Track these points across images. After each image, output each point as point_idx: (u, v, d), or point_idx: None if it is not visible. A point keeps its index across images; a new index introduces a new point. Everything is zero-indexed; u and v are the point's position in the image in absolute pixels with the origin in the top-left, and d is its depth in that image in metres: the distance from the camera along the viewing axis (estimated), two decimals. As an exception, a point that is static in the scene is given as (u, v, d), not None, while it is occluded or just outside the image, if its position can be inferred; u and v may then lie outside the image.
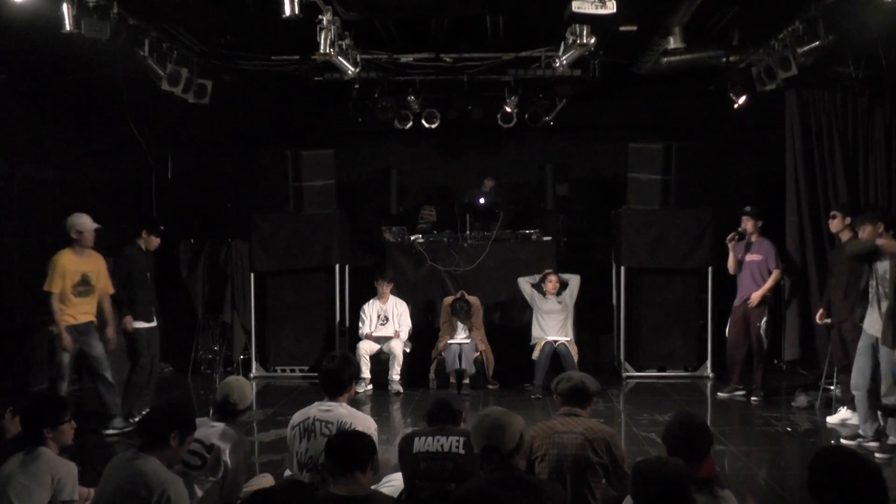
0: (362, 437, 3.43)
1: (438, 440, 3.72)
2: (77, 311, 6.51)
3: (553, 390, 4.11)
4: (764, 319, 7.62)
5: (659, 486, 2.74)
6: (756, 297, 7.62)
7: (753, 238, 7.79)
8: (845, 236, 6.66)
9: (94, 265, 6.65)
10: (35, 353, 8.04)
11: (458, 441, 3.71)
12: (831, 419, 6.78)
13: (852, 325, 6.54)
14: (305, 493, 3.77)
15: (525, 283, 8.47)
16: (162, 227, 7.43)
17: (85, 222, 6.54)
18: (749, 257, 7.77)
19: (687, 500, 2.76)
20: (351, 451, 3.25)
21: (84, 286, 6.54)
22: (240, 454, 4.04)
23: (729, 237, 7.89)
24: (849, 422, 6.57)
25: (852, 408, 6.57)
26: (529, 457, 3.82)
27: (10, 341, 7.82)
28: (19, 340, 7.93)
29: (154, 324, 7.23)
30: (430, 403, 4.06)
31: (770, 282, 7.63)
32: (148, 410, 3.73)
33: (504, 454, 3.22)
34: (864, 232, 6.10)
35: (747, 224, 7.77)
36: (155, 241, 7.26)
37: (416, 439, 3.78)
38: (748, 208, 7.83)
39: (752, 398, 7.63)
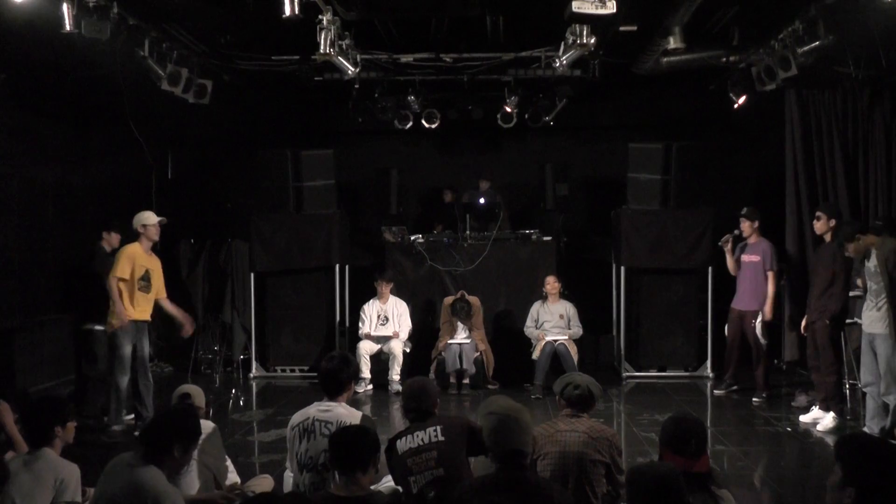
0: (365, 434, 3.41)
1: (418, 435, 3.81)
2: (138, 307, 6.60)
3: (557, 394, 4.11)
4: (759, 319, 7.61)
5: (654, 488, 2.74)
6: (769, 310, 7.57)
7: (752, 239, 7.75)
8: (829, 237, 6.70)
9: (154, 264, 6.77)
10: (31, 354, 8.04)
11: (435, 430, 3.80)
12: (804, 418, 6.81)
13: (823, 325, 6.62)
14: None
15: (529, 320, 8.46)
16: (116, 222, 7.40)
17: (150, 216, 6.70)
18: (746, 258, 7.76)
19: (682, 502, 2.75)
20: (353, 449, 3.24)
21: (145, 282, 6.65)
22: (213, 444, 4.17)
23: (722, 240, 7.90)
24: (821, 421, 6.61)
25: (824, 407, 6.66)
26: (532, 455, 3.83)
27: (6, 342, 7.81)
28: (17, 341, 7.91)
29: None
30: (403, 396, 4.16)
31: (771, 287, 7.57)
32: (152, 417, 3.74)
33: (526, 454, 3.29)
34: (850, 249, 6.19)
35: (744, 226, 7.76)
36: (116, 238, 7.26)
37: (399, 441, 3.85)
38: (744, 210, 7.81)
39: (754, 399, 7.62)
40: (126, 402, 6.68)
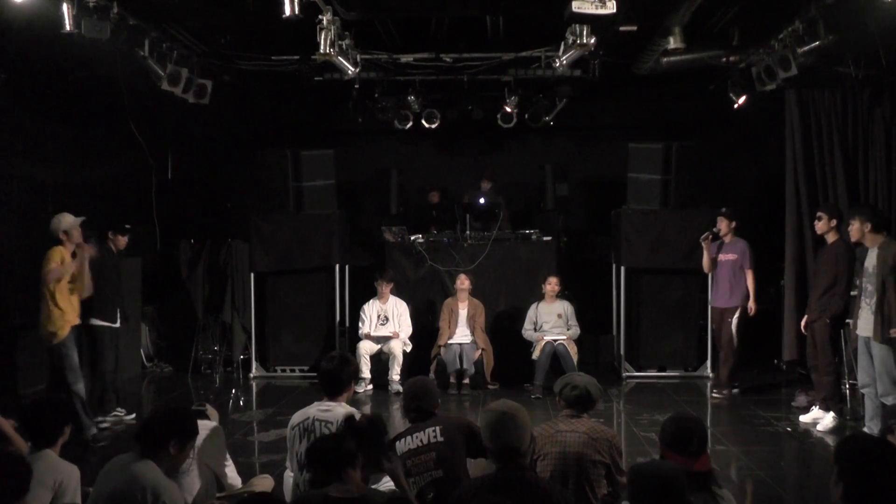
0: (342, 439, 3.36)
1: (417, 436, 3.83)
2: (68, 312, 6.38)
3: (557, 394, 4.11)
4: (736, 317, 7.73)
5: (656, 487, 2.74)
6: (753, 305, 7.73)
7: (728, 238, 7.93)
8: (831, 238, 6.70)
9: (76, 266, 6.49)
10: (32, 354, 8.02)
11: (434, 430, 3.82)
12: (804, 418, 6.82)
13: (823, 324, 6.63)
14: None
15: (527, 322, 8.47)
16: (128, 226, 7.35)
17: (70, 220, 6.44)
18: (723, 256, 7.92)
19: (683, 501, 2.75)
20: (335, 452, 3.20)
21: (73, 283, 6.47)
22: (214, 444, 4.18)
23: (703, 236, 8.00)
24: (821, 421, 6.61)
25: (824, 407, 6.67)
26: (532, 455, 3.83)
27: (7, 342, 7.80)
28: (14, 342, 7.90)
29: (117, 325, 7.09)
30: (404, 396, 4.16)
31: (751, 283, 7.76)
32: (148, 415, 3.74)
33: (523, 452, 3.29)
34: (852, 228, 6.16)
35: (721, 224, 7.92)
36: (122, 241, 7.20)
37: (398, 442, 3.86)
38: (724, 209, 7.98)
39: (714, 393, 7.74)
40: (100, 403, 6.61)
